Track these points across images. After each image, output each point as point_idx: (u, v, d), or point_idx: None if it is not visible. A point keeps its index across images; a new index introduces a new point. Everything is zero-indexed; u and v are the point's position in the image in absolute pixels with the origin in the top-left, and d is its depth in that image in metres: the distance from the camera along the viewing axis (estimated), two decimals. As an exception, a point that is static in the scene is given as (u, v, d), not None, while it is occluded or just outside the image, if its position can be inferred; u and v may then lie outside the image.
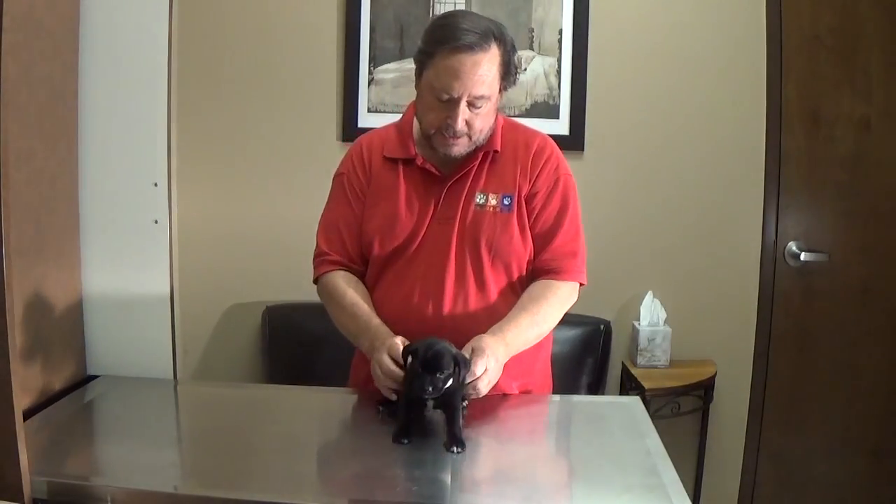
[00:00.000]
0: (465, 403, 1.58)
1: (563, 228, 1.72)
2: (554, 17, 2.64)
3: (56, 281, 1.73)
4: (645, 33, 2.67)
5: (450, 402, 1.45)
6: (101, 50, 1.77)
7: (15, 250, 1.29)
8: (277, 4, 2.66)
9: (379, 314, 1.68)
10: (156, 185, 1.80)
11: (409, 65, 2.72)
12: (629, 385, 2.64)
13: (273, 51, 2.67)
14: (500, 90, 1.65)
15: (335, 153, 2.67)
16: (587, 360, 2.60)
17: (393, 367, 1.51)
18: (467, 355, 1.51)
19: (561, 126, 2.65)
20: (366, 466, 1.43)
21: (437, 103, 1.62)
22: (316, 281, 1.78)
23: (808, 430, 2.48)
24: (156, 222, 1.81)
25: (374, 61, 2.66)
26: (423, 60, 1.63)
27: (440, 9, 2.64)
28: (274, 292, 2.70)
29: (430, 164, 1.70)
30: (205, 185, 2.66)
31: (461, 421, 1.46)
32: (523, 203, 1.71)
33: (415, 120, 1.75)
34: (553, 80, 2.66)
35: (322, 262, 1.76)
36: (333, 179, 1.81)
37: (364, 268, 1.78)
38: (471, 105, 1.60)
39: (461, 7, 2.63)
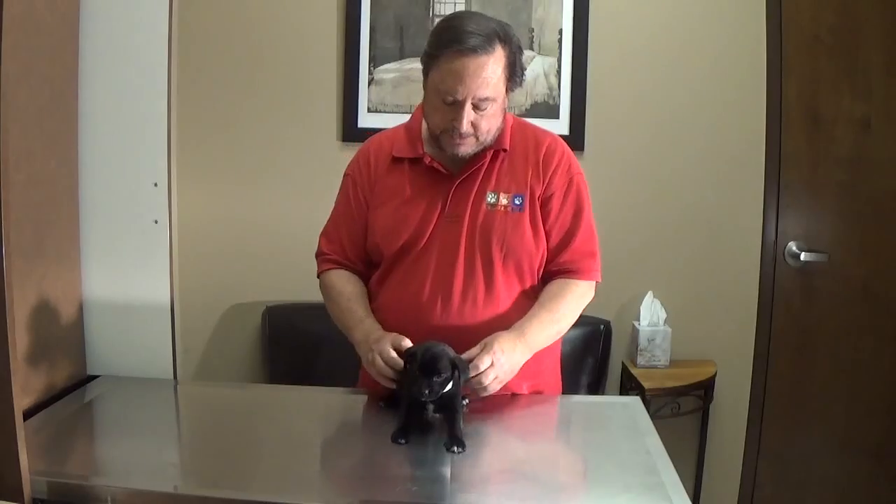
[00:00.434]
0: (465, 402, 1.59)
1: (581, 229, 1.74)
2: (554, 17, 2.64)
3: (56, 281, 1.73)
4: (645, 33, 2.67)
5: (450, 405, 1.45)
6: (101, 50, 1.77)
7: (15, 250, 1.29)
8: (277, 4, 2.67)
9: (387, 313, 1.69)
10: (156, 185, 1.80)
11: (409, 65, 2.75)
12: (629, 385, 2.64)
13: (273, 51, 2.67)
14: (506, 91, 1.65)
15: (335, 153, 2.68)
16: (587, 360, 2.60)
17: (394, 355, 1.52)
18: (479, 350, 1.53)
19: (561, 126, 2.65)
20: (366, 466, 1.44)
21: (442, 105, 1.62)
22: (319, 277, 1.82)
23: (808, 430, 2.48)
24: (156, 222, 1.81)
25: (374, 61, 2.66)
26: (429, 62, 1.63)
27: (440, 9, 2.64)
28: (274, 292, 2.70)
29: (438, 163, 1.70)
30: (205, 185, 2.66)
31: (461, 422, 1.46)
32: (536, 203, 1.71)
33: (423, 120, 1.75)
34: (553, 80, 2.66)
35: (322, 260, 1.81)
36: (343, 178, 1.83)
37: (363, 268, 1.78)
38: (476, 107, 1.61)
39: (461, 7, 2.63)
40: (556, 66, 2.65)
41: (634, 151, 2.70)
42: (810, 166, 2.40)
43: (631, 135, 2.69)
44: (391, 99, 2.67)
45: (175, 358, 1.86)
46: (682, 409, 2.56)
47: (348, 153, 2.65)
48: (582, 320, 2.54)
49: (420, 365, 1.42)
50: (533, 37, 2.64)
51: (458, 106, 1.60)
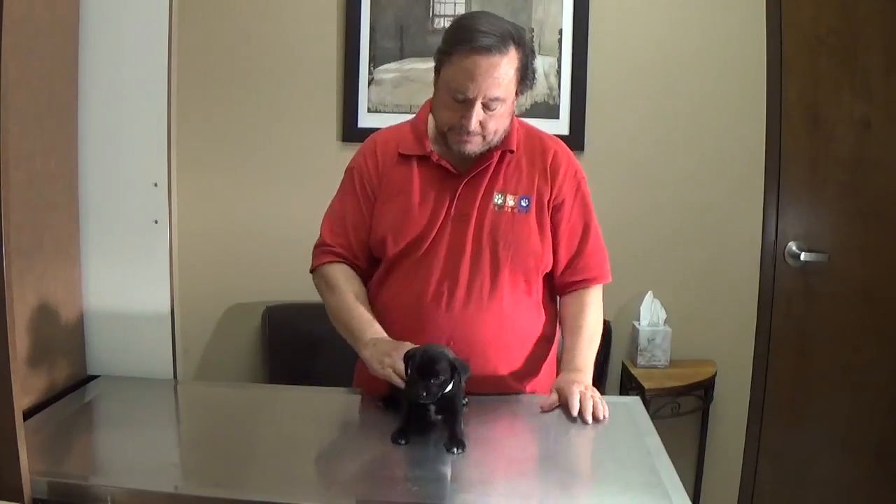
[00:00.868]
0: (465, 402, 1.59)
1: (592, 233, 1.77)
2: (554, 17, 2.64)
3: (56, 281, 1.73)
4: (645, 33, 2.67)
5: (450, 407, 1.45)
6: (101, 50, 1.77)
7: (15, 250, 1.29)
8: (277, 5, 2.66)
9: (390, 311, 1.70)
10: (156, 185, 1.80)
11: (409, 65, 2.75)
12: (629, 385, 2.64)
13: (273, 51, 2.67)
14: (516, 93, 1.66)
15: (335, 153, 2.68)
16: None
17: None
18: (556, 398, 1.61)
19: (561, 126, 2.65)
20: (366, 466, 1.44)
21: (452, 102, 1.62)
22: (314, 270, 1.79)
23: (809, 430, 2.48)
24: (156, 222, 1.81)
25: (374, 61, 2.66)
26: (442, 59, 1.63)
27: (440, 9, 2.64)
28: (274, 292, 2.70)
29: (446, 161, 1.70)
30: (205, 185, 2.66)
31: (462, 423, 1.46)
32: (543, 207, 1.72)
33: (430, 117, 1.75)
34: (553, 80, 2.66)
35: (323, 251, 1.77)
36: (345, 172, 1.82)
37: (364, 264, 1.78)
38: (485, 106, 1.61)
39: (461, 7, 2.63)
40: (556, 66, 2.65)
41: (634, 151, 2.70)
42: (810, 166, 2.40)
43: (631, 135, 2.69)
44: (391, 99, 2.67)
45: (175, 358, 1.86)
46: (682, 409, 2.56)
47: (348, 153, 2.64)
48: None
49: (418, 367, 1.42)
50: (533, 37, 2.64)
51: (468, 104, 1.60)
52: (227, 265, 2.71)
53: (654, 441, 1.51)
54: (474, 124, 1.61)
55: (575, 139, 2.64)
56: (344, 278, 1.74)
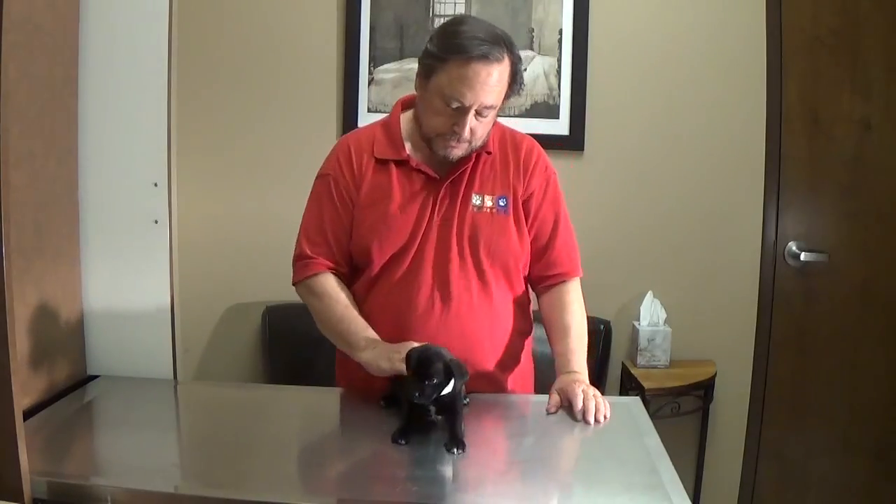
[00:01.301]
0: (466, 402, 1.59)
1: (561, 227, 1.78)
2: (554, 17, 2.64)
3: (56, 281, 1.73)
4: (645, 33, 2.66)
5: (450, 408, 1.45)
6: (101, 50, 1.77)
7: (15, 250, 1.29)
8: (277, 4, 2.66)
9: (379, 319, 1.69)
10: (156, 185, 1.80)
11: (409, 65, 2.75)
12: (629, 385, 2.64)
13: (273, 51, 2.67)
14: (504, 98, 1.66)
15: (335, 153, 2.68)
16: (587, 360, 2.60)
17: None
18: (559, 399, 1.60)
19: (561, 126, 2.65)
20: (366, 466, 1.44)
21: (445, 109, 1.61)
22: (297, 283, 1.76)
23: (809, 430, 2.48)
24: (156, 222, 1.81)
25: (374, 61, 2.66)
26: (434, 65, 1.60)
27: (440, 9, 2.64)
28: (274, 292, 2.69)
29: (425, 166, 1.70)
30: (205, 185, 2.66)
31: (462, 423, 1.46)
32: (519, 204, 1.73)
33: (403, 119, 1.74)
34: (553, 80, 2.65)
35: (306, 264, 1.74)
36: (316, 180, 1.78)
37: (347, 270, 1.76)
38: (478, 113, 1.61)
39: (461, 7, 2.63)
40: (556, 66, 2.65)
41: (634, 151, 2.70)
42: (810, 166, 2.40)
43: (631, 135, 2.69)
44: (391, 99, 2.66)
45: (175, 358, 1.86)
46: (682, 409, 2.56)
47: (348, 153, 2.62)
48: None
49: (414, 368, 1.42)
50: (533, 37, 2.64)
51: (462, 112, 1.60)
52: (227, 265, 2.71)
53: (654, 441, 1.51)
54: (468, 132, 1.61)
55: (575, 139, 2.64)
56: (331, 287, 1.72)
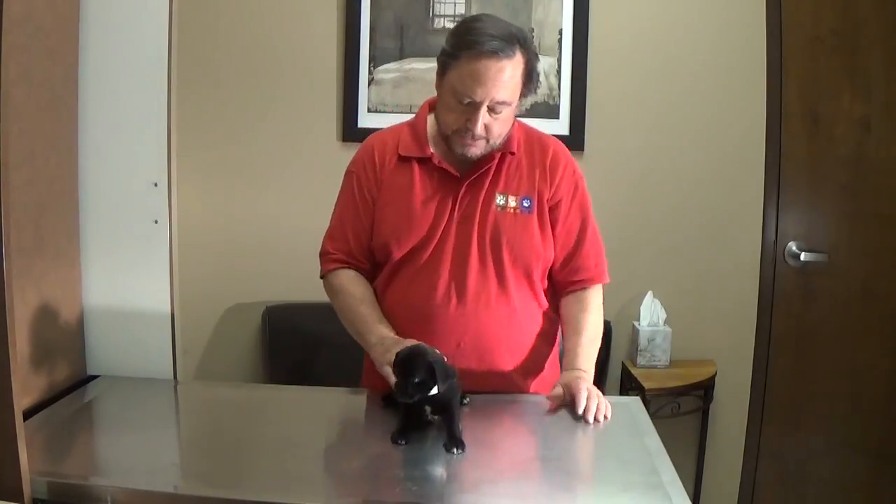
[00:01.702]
0: (466, 402, 1.59)
1: (589, 232, 1.77)
2: (554, 17, 2.64)
3: (56, 281, 1.73)
4: (645, 33, 2.67)
5: (446, 407, 1.46)
6: (101, 50, 1.77)
7: (15, 250, 1.29)
8: (277, 4, 2.66)
9: (396, 314, 1.70)
10: (156, 185, 1.80)
11: (409, 65, 2.75)
12: (629, 385, 2.64)
13: (273, 51, 2.67)
14: (520, 96, 1.66)
15: (335, 153, 2.68)
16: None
17: None
18: (562, 394, 1.60)
19: (561, 126, 2.65)
20: (365, 466, 1.44)
21: (458, 105, 1.62)
22: (322, 277, 1.80)
23: (808, 430, 2.47)
24: (156, 222, 1.81)
25: (374, 61, 2.66)
26: (447, 62, 1.63)
27: (440, 9, 2.64)
28: (274, 292, 2.70)
29: (447, 164, 1.70)
30: (205, 185, 2.66)
31: (460, 422, 1.46)
32: (544, 206, 1.72)
33: (429, 119, 1.75)
34: (553, 80, 2.66)
35: (327, 260, 1.79)
36: (344, 176, 1.82)
37: (369, 266, 1.78)
38: (491, 110, 1.61)
39: (461, 7, 2.64)
40: (556, 66, 2.65)
41: (634, 151, 2.70)
42: (810, 166, 2.40)
43: (631, 135, 2.69)
44: (391, 99, 2.67)
45: (175, 358, 1.86)
46: (682, 409, 2.56)
47: (348, 153, 2.64)
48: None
49: (398, 366, 1.43)
50: (533, 37, 2.63)
51: (474, 107, 1.60)
52: (227, 265, 2.71)
53: (654, 441, 1.51)
54: (480, 128, 1.61)
55: (575, 139, 2.64)
56: (348, 282, 1.75)
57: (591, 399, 1.58)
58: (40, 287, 1.67)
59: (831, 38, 2.34)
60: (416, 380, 1.40)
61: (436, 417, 1.48)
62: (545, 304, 1.77)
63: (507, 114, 1.64)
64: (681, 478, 1.35)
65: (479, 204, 1.69)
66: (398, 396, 1.43)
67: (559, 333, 1.82)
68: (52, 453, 1.44)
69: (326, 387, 1.87)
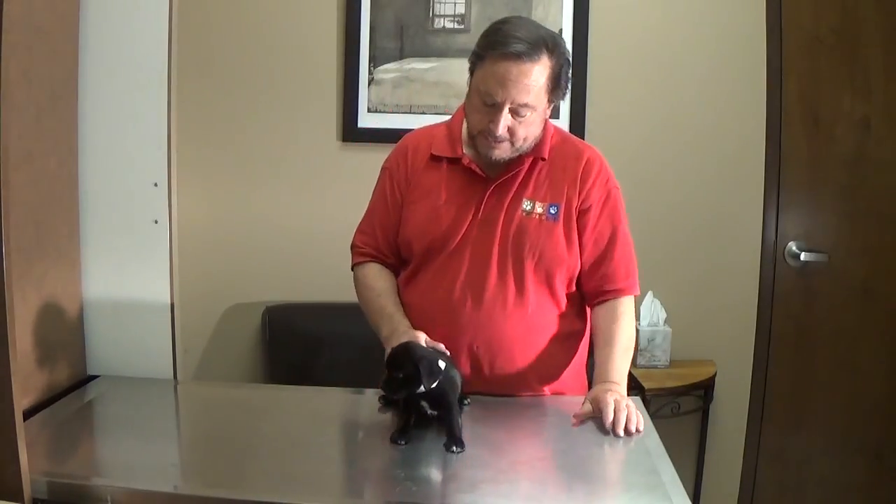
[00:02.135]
0: (467, 401, 1.59)
1: (619, 242, 1.73)
2: (554, 17, 2.64)
3: (56, 281, 1.73)
4: (645, 33, 2.67)
5: (443, 404, 1.46)
6: (101, 50, 1.77)
7: (15, 250, 1.29)
8: (277, 5, 2.67)
9: (415, 312, 1.70)
10: (156, 185, 1.80)
11: (409, 65, 2.75)
12: (629, 385, 2.63)
13: (273, 51, 2.67)
14: (548, 101, 1.65)
15: (335, 153, 2.69)
16: (588, 360, 2.60)
17: None
18: (590, 408, 1.57)
19: (561, 125, 2.64)
20: (365, 466, 1.44)
21: (482, 106, 1.62)
22: (352, 269, 1.83)
23: (808, 431, 2.47)
24: (156, 222, 1.81)
25: (374, 61, 2.66)
26: (475, 62, 1.63)
27: (440, 9, 2.64)
28: (274, 292, 2.70)
29: (476, 165, 1.70)
30: (205, 185, 2.66)
31: (460, 421, 1.46)
32: (572, 214, 1.71)
33: (464, 120, 1.75)
34: (553, 80, 2.65)
35: (355, 253, 1.82)
36: (380, 171, 1.83)
37: (395, 261, 1.79)
38: (514, 112, 1.60)
39: (461, 7, 2.63)
40: (556, 66, 2.65)
41: (634, 151, 2.70)
42: (810, 166, 2.40)
43: (631, 135, 2.69)
44: (391, 99, 2.67)
45: (175, 358, 1.86)
46: (682, 409, 2.56)
47: (348, 153, 2.65)
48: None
49: (387, 362, 1.45)
50: (533, 37, 2.63)
51: (496, 109, 1.60)
52: (227, 265, 2.72)
53: (654, 441, 1.51)
54: (502, 129, 1.60)
55: (575, 139, 2.63)
56: (370, 276, 1.77)
57: (619, 411, 1.54)
58: (40, 287, 1.67)
59: (831, 37, 2.33)
60: (401, 376, 1.41)
61: (434, 413, 1.47)
62: (565, 311, 1.74)
63: (532, 118, 1.63)
64: (681, 478, 1.35)
65: (505, 207, 1.69)
66: (385, 391, 1.46)
67: (585, 342, 1.80)
68: (53, 453, 1.44)
69: (326, 387, 1.87)
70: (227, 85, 2.67)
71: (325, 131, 2.69)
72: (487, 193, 1.69)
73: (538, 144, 1.69)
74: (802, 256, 2.38)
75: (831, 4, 2.33)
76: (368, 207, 1.83)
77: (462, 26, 2.64)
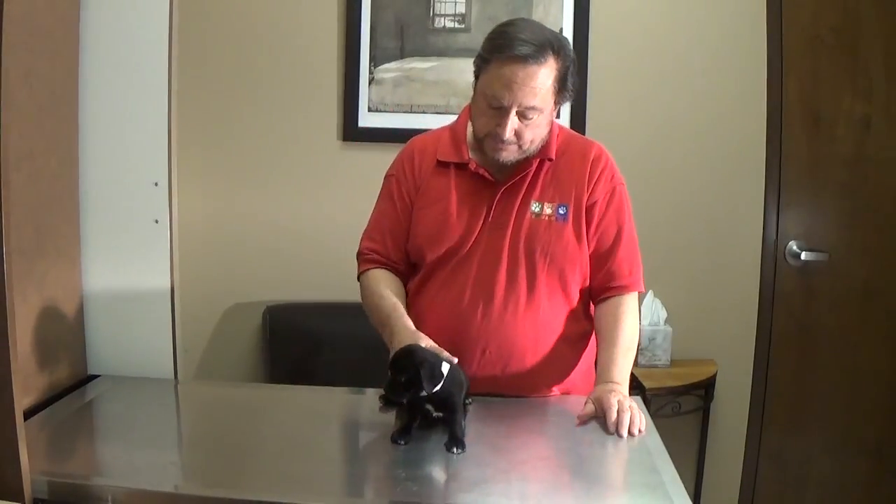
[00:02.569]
0: (469, 402, 1.59)
1: (624, 238, 1.73)
2: (554, 17, 2.64)
3: (56, 280, 1.73)
4: (645, 33, 2.67)
5: (447, 405, 1.46)
6: (101, 50, 1.77)
7: (15, 250, 1.29)
8: (277, 5, 2.66)
9: (426, 318, 1.68)
10: (156, 184, 1.80)
11: (409, 64, 2.75)
12: (630, 385, 2.63)
13: (273, 51, 2.67)
14: (554, 103, 1.64)
15: (335, 153, 2.68)
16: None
17: None
18: (593, 410, 1.56)
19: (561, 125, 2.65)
20: (366, 466, 1.44)
21: (488, 109, 1.61)
22: (358, 277, 1.80)
23: (809, 430, 2.48)
24: (156, 222, 1.81)
25: (374, 61, 2.66)
26: (480, 65, 1.62)
27: (440, 9, 2.64)
28: (274, 292, 2.70)
29: (484, 170, 1.69)
30: (205, 185, 2.66)
31: (462, 422, 1.46)
32: (581, 213, 1.70)
33: (469, 123, 1.74)
34: (553, 79, 2.65)
35: (363, 260, 1.78)
36: (384, 179, 1.81)
37: (405, 267, 1.77)
38: (521, 115, 1.60)
39: (461, 7, 2.63)
40: (557, 65, 2.64)
41: (634, 151, 2.69)
42: (810, 166, 2.40)
43: (631, 135, 2.69)
44: (391, 98, 2.67)
45: (175, 358, 1.86)
46: (682, 408, 2.56)
47: (349, 153, 2.65)
48: (582, 320, 2.56)
49: (390, 366, 1.44)
50: (533, 36, 2.63)
51: (503, 112, 1.59)
52: (228, 265, 2.72)
53: (654, 441, 1.51)
54: (509, 132, 1.60)
55: (575, 139, 2.63)
56: (375, 283, 1.73)
57: (623, 412, 1.53)
58: (41, 287, 1.67)
59: (832, 37, 2.34)
60: (402, 380, 1.41)
61: (439, 415, 1.48)
62: (576, 308, 1.74)
63: (538, 120, 1.62)
64: (681, 477, 1.35)
65: (514, 211, 1.68)
66: (389, 395, 1.45)
67: (593, 341, 1.79)
68: (53, 453, 1.44)
69: (326, 387, 1.87)
70: (227, 84, 2.67)
71: (325, 131, 2.69)
72: (497, 198, 1.68)
73: (545, 145, 1.69)
74: (803, 256, 2.38)
75: (831, 4, 2.33)
76: (374, 215, 1.80)
77: (462, 26, 2.64)
